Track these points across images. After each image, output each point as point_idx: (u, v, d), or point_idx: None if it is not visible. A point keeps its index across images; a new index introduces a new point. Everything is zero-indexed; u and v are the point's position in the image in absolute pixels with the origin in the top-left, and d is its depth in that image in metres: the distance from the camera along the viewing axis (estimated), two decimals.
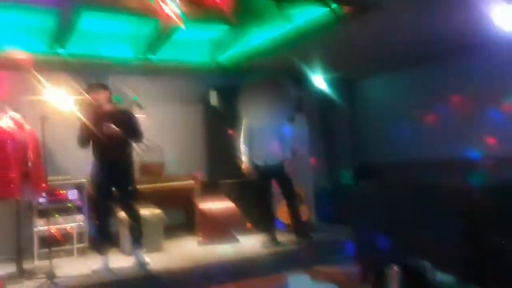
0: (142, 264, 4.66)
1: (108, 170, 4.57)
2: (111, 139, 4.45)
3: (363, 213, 4.40)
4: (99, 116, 4.54)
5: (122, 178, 4.65)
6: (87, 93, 4.62)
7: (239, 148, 5.51)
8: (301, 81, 6.66)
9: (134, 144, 4.90)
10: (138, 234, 4.80)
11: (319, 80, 6.52)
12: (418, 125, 6.58)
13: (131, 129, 4.64)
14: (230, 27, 5.85)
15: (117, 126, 4.48)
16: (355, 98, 7.59)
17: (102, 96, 4.61)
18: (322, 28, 4.89)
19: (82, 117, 4.55)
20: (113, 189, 4.67)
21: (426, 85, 6.59)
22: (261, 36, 5.56)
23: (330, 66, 6.12)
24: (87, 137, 4.54)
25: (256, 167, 5.45)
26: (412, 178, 5.90)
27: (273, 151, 5.42)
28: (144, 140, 4.99)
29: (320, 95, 6.89)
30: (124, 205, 4.79)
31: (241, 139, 5.50)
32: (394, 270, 3.58)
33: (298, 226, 5.63)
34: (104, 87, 4.67)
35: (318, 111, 7.43)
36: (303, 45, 5.39)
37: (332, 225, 6.20)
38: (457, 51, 5.81)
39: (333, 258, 4.94)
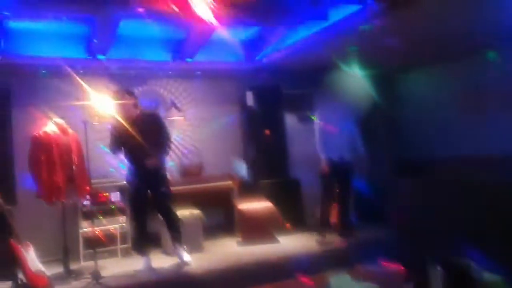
0: (184, 264, 4.74)
1: (141, 173, 4.66)
2: (141, 143, 4.54)
3: (405, 211, 4.32)
4: (127, 121, 4.64)
5: (156, 180, 4.73)
6: (114, 100, 4.71)
7: (317, 147, 5.58)
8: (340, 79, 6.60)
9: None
10: (177, 234, 4.90)
11: (357, 77, 6.43)
12: (459, 121, 6.40)
13: (159, 133, 4.73)
14: (266, 27, 5.85)
15: (145, 130, 4.60)
16: (394, 94, 7.43)
17: (129, 102, 4.69)
18: (359, 25, 4.82)
19: (111, 125, 4.69)
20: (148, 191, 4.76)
21: (468, 79, 6.40)
22: (297, 34, 5.54)
23: (368, 62, 6.03)
24: (118, 144, 4.67)
25: (332, 163, 5.46)
26: (454, 175, 5.75)
27: (347, 147, 5.51)
28: (183, 142, 5.07)
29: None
30: (160, 206, 4.86)
31: (317, 139, 5.57)
32: (438, 269, 3.50)
33: (344, 225, 5.63)
34: (130, 93, 4.77)
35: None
36: (339, 42, 5.33)
37: (373, 224, 6.12)
38: (500, 43, 5.61)
39: (375, 257, 4.87)
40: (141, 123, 4.64)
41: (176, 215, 4.98)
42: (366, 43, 5.35)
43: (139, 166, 4.67)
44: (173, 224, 4.90)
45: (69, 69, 5.24)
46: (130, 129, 4.56)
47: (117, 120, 4.65)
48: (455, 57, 6.27)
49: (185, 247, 4.93)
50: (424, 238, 4.08)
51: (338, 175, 5.56)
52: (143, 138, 4.57)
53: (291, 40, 5.67)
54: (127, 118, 4.66)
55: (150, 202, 4.83)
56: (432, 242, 3.97)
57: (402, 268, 4.16)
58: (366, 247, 5.32)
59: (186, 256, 4.84)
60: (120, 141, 4.65)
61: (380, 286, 3.97)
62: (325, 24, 5.10)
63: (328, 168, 5.48)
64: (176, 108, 5.94)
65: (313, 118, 5.81)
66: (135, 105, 4.76)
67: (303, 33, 5.42)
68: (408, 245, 4.30)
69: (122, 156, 4.85)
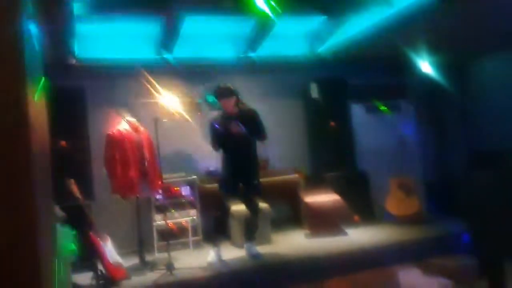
0: (255, 256, 4.81)
1: (237, 166, 4.79)
2: (238, 137, 4.66)
3: (479, 204, 4.11)
4: (228, 119, 4.76)
5: (249, 174, 4.84)
6: (217, 99, 4.85)
7: None
8: (406, 68, 6.38)
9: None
10: (254, 228, 5.00)
11: (425, 66, 6.19)
12: None
13: (255, 128, 4.82)
14: (328, 17, 5.76)
15: (244, 126, 4.69)
16: (466, 82, 7.08)
17: (230, 101, 4.80)
18: (427, 10, 4.62)
19: (212, 121, 4.85)
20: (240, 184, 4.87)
21: None
22: (361, 24, 5.39)
23: (437, 49, 5.77)
24: (219, 141, 4.81)
25: None
26: None
27: None
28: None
29: (427, 81, 6.54)
30: (247, 199, 4.97)
31: None
32: None
33: None
34: (232, 92, 4.83)
35: (425, 98, 7.08)
36: (406, 30, 5.13)
37: (444, 217, 5.89)
38: None
39: (446, 251, 4.69)
40: (239, 119, 4.75)
41: (259, 209, 5.06)
42: (435, 29, 5.12)
43: (235, 160, 4.81)
44: (254, 217, 4.99)
45: (138, 69, 5.44)
46: (228, 126, 4.69)
47: (218, 117, 4.82)
48: None
49: (255, 241, 5.01)
50: (499, 232, 3.86)
51: None
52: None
53: (355, 29, 5.53)
54: (228, 114, 4.81)
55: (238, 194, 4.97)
56: (508, 237, 3.75)
57: (476, 263, 3.98)
58: (439, 240, 5.14)
59: (257, 250, 4.91)
60: (221, 137, 4.78)
61: (451, 281, 3.82)
62: (390, 11, 4.93)
63: None
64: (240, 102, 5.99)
65: (382, 108, 5.61)
66: (236, 103, 4.86)
67: (368, 21, 5.27)
68: (482, 239, 4.09)
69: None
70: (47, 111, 2.06)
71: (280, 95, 6.60)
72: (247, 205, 5.00)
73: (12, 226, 1.31)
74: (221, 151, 4.93)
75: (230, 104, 4.80)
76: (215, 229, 5.00)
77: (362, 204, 6.15)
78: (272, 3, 4.62)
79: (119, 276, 4.35)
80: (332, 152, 6.43)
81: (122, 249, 4.87)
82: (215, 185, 5.19)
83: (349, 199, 5.82)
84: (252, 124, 4.78)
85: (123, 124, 4.98)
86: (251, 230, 5.02)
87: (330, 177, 6.26)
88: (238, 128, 4.66)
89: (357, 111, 6.72)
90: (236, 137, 4.68)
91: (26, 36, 1.57)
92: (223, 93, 4.82)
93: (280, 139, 6.48)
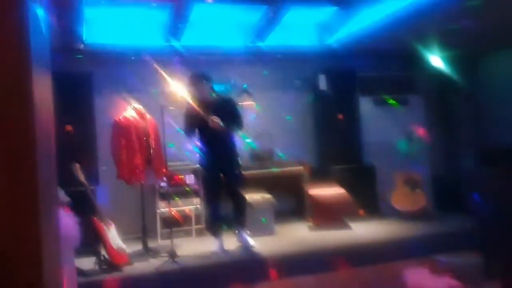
0: (247, 247, 4.79)
1: (214, 156, 4.75)
2: (216, 130, 4.61)
3: (489, 201, 4.08)
4: (203, 106, 4.69)
5: (228, 164, 4.81)
6: (190, 85, 4.79)
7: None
8: (416, 61, 6.32)
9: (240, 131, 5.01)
10: (242, 218, 4.95)
11: (436, 59, 6.12)
12: None
13: (233, 118, 4.77)
14: (339, 8, 5.69)
15: (220, 115, 4.63)
16: (477, 76, 6.99)
17: (204, 86, 4.75)
18: (440, 3, 4.55)
19: (186, 108, 4.77)
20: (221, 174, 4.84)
21: None
22: (372, 16, 5.33)
23: (449, 43, 5.70)
24: (192, 127, 4.76)
25: None
26: None
27: None
28: (254, 127, 5.09)
29: (438, 75, 6.47)
30: (230, 189, 4.92)
31: None
32: None
33: None
34: (206, 78, 4.78)
35: (435, 92, 7.01)
36: (418, 22, 5.07)
37: (451, 213, 5.85)
38: None
39: (452, 248, 4.66)
40: (216, 107, 4.70)
41: (243, 199, 5.02)
42: (447, 22, 5.05)
43: (213, 150, 4.76)
44: (239, 207, 4.94)
45: (145, 56, 5.41)
46: (205, 113, 4.63)
47: (193, 104, 4.73)
48: None
49: (248, 231, 4.98)
50: (509, 229, 3.83)
51: None
52: None
53: (367, 21, 5.47)
54: (203, 101, 4.73)
55: (224, 185, 4.92)
56: None
57: (485, 261, 3.94)
58: (444, 237, 5.11)
59: (249, 240, 4.88)
60: (195, 124, 4.74)
61: (460, 282, 3.77)
62: (403, 3, 4.87)
63: None
64: (247, 93, 5.96)
65: (390, 102, 5.57)
66: (211, 90, 4.82)
67: (380, 13, 5.21)
68: (492, 237, 4.06)
69: (195, 139, 4.93)
70: (53, 96, 2.04)
71: (287, 85, 6.55)
72: (231, 198, 4.93)
73: (14, 212, 1.30)
74: (199, 141, 4.86)
75: (203, 90, 4.73)
76: (211, 220, 5.01)
77: (367, 198, 6.12)
78: None
79: (122, 262, 4.37)
80: (338, 145, 6.39)
81: (126, 235, 4.88)
82: None
83: (354, 193, 5.79)
84: (229, 113, 4.73)
85: (129, 111, 4.96)
86: (240, 220, 4.95)
87: (336, 170, 6.23)
88: (215, 123, 4.59)
89: (365, 104, 6.67)
90: (212, 126, 4.61)
91: (33, 20, 1.54)
92: (195, 79, 4.74)
93: (286, 130, 6.46)
